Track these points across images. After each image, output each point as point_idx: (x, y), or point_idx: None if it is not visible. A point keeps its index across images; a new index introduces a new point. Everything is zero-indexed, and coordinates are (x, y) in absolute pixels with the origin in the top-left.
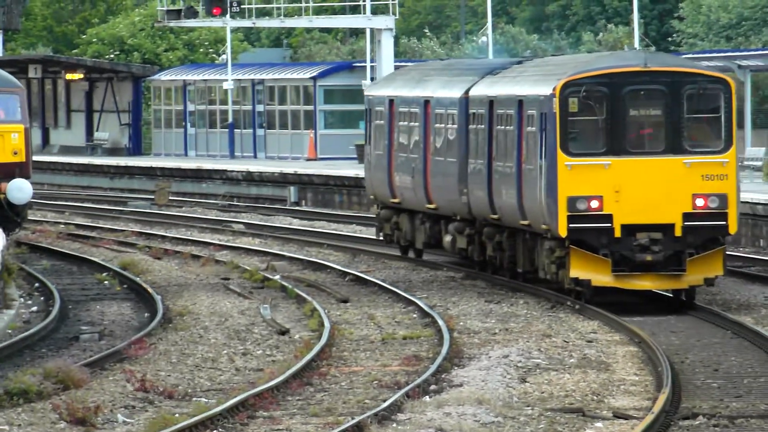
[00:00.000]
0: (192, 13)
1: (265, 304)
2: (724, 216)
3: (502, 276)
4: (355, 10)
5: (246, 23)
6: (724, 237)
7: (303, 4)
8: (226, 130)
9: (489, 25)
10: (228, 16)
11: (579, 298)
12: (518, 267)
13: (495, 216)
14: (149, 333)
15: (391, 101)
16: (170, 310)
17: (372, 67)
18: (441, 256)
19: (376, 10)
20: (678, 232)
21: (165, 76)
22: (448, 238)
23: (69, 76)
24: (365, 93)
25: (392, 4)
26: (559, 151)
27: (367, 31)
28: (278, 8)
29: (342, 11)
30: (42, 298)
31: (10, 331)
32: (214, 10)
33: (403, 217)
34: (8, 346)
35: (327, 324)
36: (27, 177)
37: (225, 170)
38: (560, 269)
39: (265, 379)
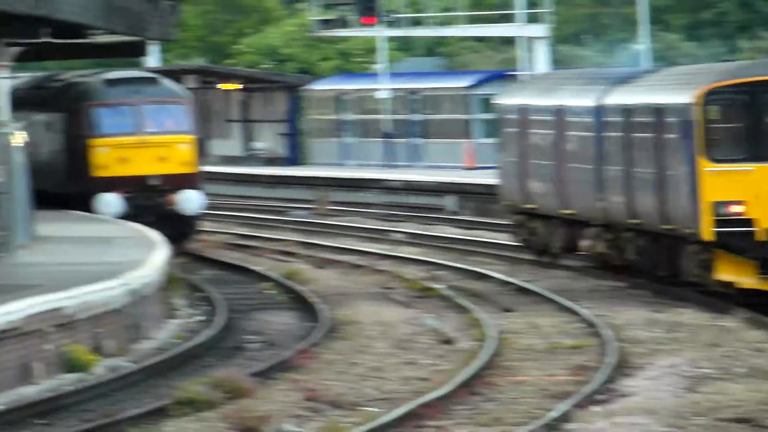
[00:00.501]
0: (344, 23)
1: (428, 313)
2: None
3: (636, 278)
4: (509, 18)
5: (399, 33)
6: None
7: (456, 13)
8: (382, 139)
9: (645, 32)
10: (381, 25)
11: (724, 300)
12: (659, 271)
13: (634, 221)
14: (314, 343)
15: (523, 110)
16: (334, 319)
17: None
18: (577, 261)
19: (530, 19)
20: None
21: (320, 86)
22: (585, 243)
23: (224, 86)
24: (495, 102)
25: (546, 12)
26: (701, 157)
27: (522, 40)
28: (431, 17)
29: (495, 20)
30: (207, 308)
31: (176, 341)
32: (367, 20)
33: (537, 223)
34: (175, 355)
35: (492, 333)
36: (197, 188)
37: (382, 179)
38: (705, 272)
39: (432, 388)
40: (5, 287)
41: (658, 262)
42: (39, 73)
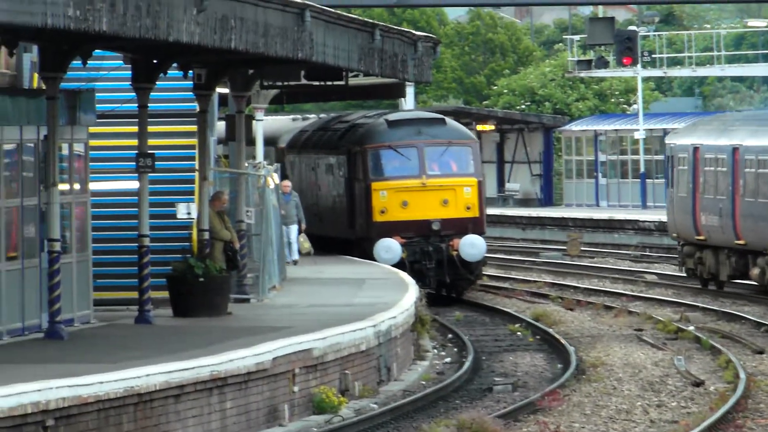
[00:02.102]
0: (603, 63)
1: (678, 355)
2: None
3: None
4: None
5: (657, 73)
6: None
7: (715, 53)
8: (638, 180)
9: None
10: (639, 65)
11: None
12: None
13: None
14: (563, 384)
15: (696, 149)
16: (583, 361)
17: None
18: (745, 289)
19: None
20: None
21: (576, 126)
22: (756, 271)
23: (480, 128)
24: (667, 142)
25: None
26: None
27: None
28: (690, 57)
29: (755, 60)
30: (455, 350)
31: (423, 382)
32: (625, 60)
33: (707, 253)
34: (422, 397)
35: (742, 375)
36: (480, 233)
37: (637, 220)
38: None
39: None
40: (255, 329)
41: None
42: (325, 115)
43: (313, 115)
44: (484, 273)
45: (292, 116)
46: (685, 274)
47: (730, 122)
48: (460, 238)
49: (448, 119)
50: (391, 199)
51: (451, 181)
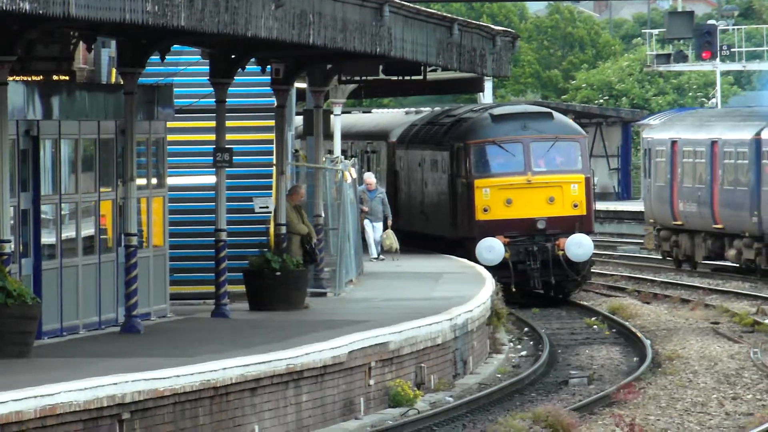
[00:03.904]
0: (682, 57)
1: (755, 348)
2: None
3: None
4: None
5: (736, 67)
6: None
7: None
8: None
9: None
10: (718, 59)
11: None
12: None
13: None
14: (638, 377)
15: (674, 142)
16: (659, 354)
17: None
18: (717, 269)
19: None
20: None
21: (654, 120)
22: (733, 252)
23: None
24: (644, 136)
25: None
26: None
27: None
28: None
29: None
30: (531, 343)
31: (499, 375)
32: (704, 54)
33: (682, 237)
34: (498, 390)
35: None
36: (588, 231)
37: None
38: None
39: (756, 424)
40: (332, 323)
41: None
42: (439, 108)
43: (427, 108)
44: (592, 272)
45: (405, 109)
46: (660, 256)
47: (705, 118)
48: (566, 237)
49: (555, 113)
50: (495, 197)
51: (557, 177)
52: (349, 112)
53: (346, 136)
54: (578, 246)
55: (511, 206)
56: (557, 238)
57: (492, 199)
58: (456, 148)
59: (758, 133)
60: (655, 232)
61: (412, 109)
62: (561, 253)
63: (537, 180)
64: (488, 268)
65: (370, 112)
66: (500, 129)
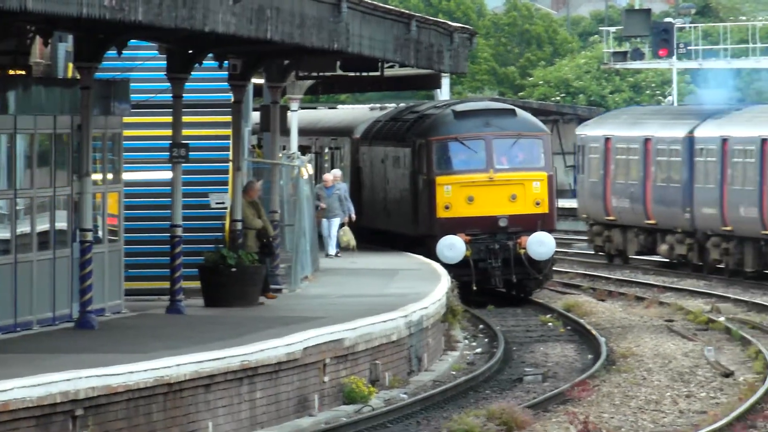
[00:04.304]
0: (638, 55)
1: (709, 346)
2: None
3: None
4: None
5: (692, 65)
6: None
7: (750, 45)
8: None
9: None
10: (674, 57)
11: None
12: (746, 268)
13: (727, 228)
14: (593, 375)
15: (607, 139)
16: (614, 351)
17: None
18: (648, 264)
19: None
20: None
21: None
22: (665, 247)
23: None
24: (577, 133)
25: None
26: None
27: None
28: (725, 49)
29: None
30: (486, 340)
31: (454, 372)
32: (661, 52)
33: (615, 232)
34: (453, 387)
35: None
36: (551, 230)
37: None
38: None
39: (709, 422)
40: (287, 319)
41: (746, 261)
42: (404, 104)
43: (392, 105)
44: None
45: (370, 105)
46: (592, 251)
47: (639, 116)
48: (528, 235)
49: (518, 110)
50: (456, 194)
51: (519, 175)
52: (314, 108)
53: (311, 132)
54: (540, 244)
55: (472, 204)
56: (519, 236)
57: (453, 196)
58: (418, 144)
59: (691, 131)
60: (588, 227)
61: (377, 105)
62: (523, 251)
63: (499, 177)
64: (449, 266)
65: (336, 108)
66: (462, 126)
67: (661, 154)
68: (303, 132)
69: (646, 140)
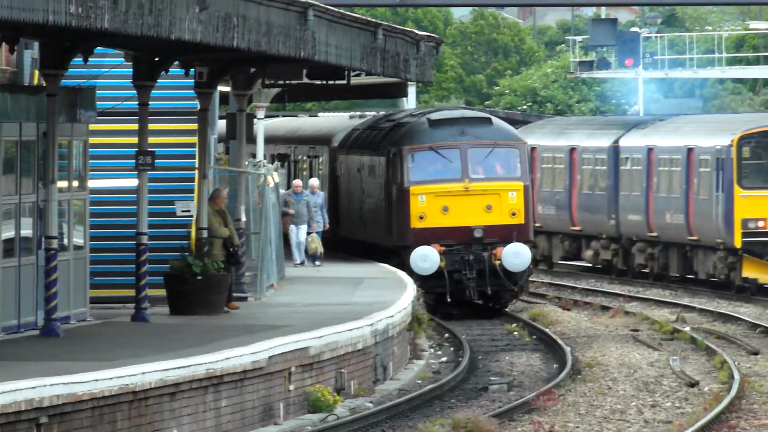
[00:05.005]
0: (605, 65)
1: (674, 356)
2: None
3: (644, 279)
4: None
5: (658, 74)
6: None
7: (716, 55)
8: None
9: None
10: (641, 67)
11: (743, 292)
12: (671, 272)
13: (653, 234)
14: (558, 384)
15: (533, 149)
16: (579, 361)
17: None
18: (573, 269)
19: None
20: None
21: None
22: (589, 253)
23: None
24: None
25: None
26: (735, 185)
27: None
28: (691, 59)
29: (756, 62)
30: (452, 349)
31: (419, 381)
32: (627, 61)
33: (540, 238)
34: (418, 396)
35: (736, 376)
36: (526, 241)
37: None
38: (731, 272)
39: None
40: (252, 327)
41: (671, 266)
42: (385, 112)
43: (372, 112)
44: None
45: (350, 113)
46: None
47: (564, 126)
48: (503, 246)
49: (494, 119)
50: (431, 204)
51: (495, 185)
52: (295, 116)
53: (290, 140)
54: (515, 256)
55: (447, 214)
56: (494, 247)
57: (428, 206)
58: (392, 153)
59: (616, 141)
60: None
61: (357, 114)
62: (498, 262)
63: (474, 187)
64: (424, 277)
65: (316, 115)
66: (438, 134)
67: (587, 163)
68: (282, 140)
69: (572, 149)
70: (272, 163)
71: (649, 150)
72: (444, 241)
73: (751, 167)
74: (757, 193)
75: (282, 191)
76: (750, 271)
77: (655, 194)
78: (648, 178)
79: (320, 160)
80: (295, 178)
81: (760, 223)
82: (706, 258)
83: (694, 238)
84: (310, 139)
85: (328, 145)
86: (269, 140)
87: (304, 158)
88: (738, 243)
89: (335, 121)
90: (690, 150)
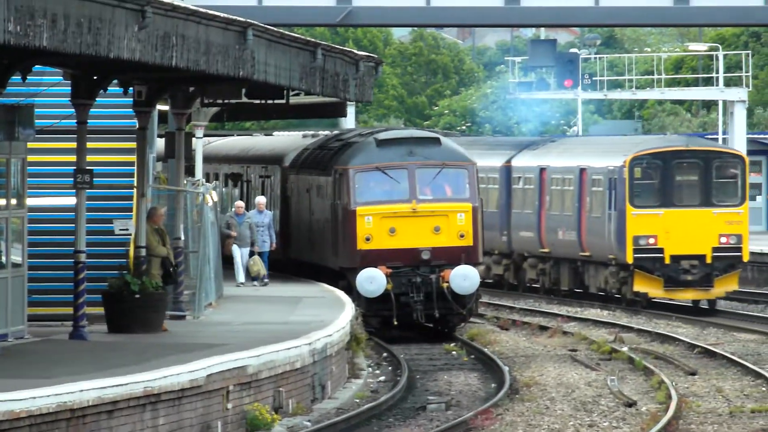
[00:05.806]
0: (544, 85)
1: (612, 375)
2: (739, 249)
3: (535, 293)
4: (708, 82)
5: (597, 95)
6: (739, 264)
7: (655, 76)
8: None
9: None
10: (580, 88)
11: (633, 306)
12: (562, 286)
13: (545, 250)
14: (496, 404)
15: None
16: (517, 380)
17: (724, 139)
18: None
19: (729, 83)
20: (709, 260)
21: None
22: (481, 267)
23: None
24: None
25: (745, 76)
26: (627, 204)
27: (720, 104)
28: (630, 80)
29: (695, 83)
30: (390, 368)
31: (357, 400)
32: (566, 83)
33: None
34: (356, 415)
35: (674, 396)
36: (475, 263)
37: None
38: (623, 286)
39: None
40: (190, 346)
41: (562, 280)
42: (338, 131)
43: (326, 132)
44: (480, 302)
45: (303, 133)
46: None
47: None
48: (451, 268)
49: (443, 138)
50: (378, 226)
51: (443, 206)
52: (250, 135)
53: (242, 159)
54: (464, 278)
55: (394, 235)
56: (442, 270)
57: (375, 227)
58: (339, 173)
59: (508, 161)
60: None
61: (310, 133)
62: (446, 285)
63: (422, 208)
64: (370, 300)
65: (271, 134)
66: (385, 154)
67: (480, 182)
68: (235, 160)
69: (542, 170)
70: (225, 183)
71: (542, 170)
72: (391, 263)
73: (643, 187)
74: (648, 212)
75: (229, 213)
76: (641, 286)
77: (548, 212)
78: (540, 197)
79: (272, 180)
80: (240, 199)
81: (651, 240)
82: (597, 273)
83: (587, 253)
84: (263, 159)
85: (280, 164)
86: (223, 160)
87: (257, 178)
88: (630, 259)
89: (288, 140)
90: (582, 170)
